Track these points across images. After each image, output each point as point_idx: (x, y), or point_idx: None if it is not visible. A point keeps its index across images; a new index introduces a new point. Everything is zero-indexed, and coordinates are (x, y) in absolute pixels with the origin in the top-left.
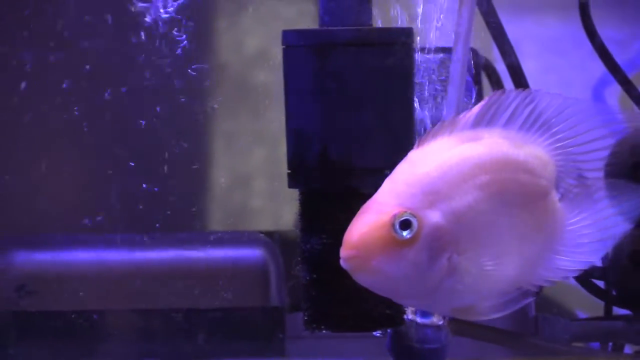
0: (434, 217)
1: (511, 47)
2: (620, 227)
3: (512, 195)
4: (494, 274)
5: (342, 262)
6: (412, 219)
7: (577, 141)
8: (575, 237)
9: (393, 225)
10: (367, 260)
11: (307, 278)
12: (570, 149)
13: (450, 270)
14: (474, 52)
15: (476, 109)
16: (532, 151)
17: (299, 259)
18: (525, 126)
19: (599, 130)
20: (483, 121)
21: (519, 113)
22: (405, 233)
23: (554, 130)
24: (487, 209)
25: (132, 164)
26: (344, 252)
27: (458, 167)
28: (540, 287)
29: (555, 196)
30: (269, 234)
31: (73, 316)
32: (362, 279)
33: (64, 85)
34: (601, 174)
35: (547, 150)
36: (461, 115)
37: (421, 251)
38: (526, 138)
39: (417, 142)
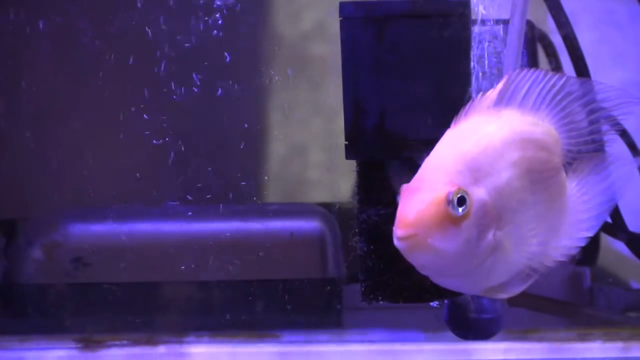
0: (480, 193)
1: (567, 19)
2: (614, 200)
3: (535, 173)
4: (527, 251)
5: (396, 242)
6: (465, 195)
7: (578, 118)
8: (577, 213)
9: (450, 202)
10: (424, 239)
11: (365, 249)
12: (572, 125)
13: (494, 247)
14: (530, 24)
15: (497, 87)
16: (545, 129)
17: (356, 230)
18: (536, 105)
19: (599, 108)
20: (504, 99)
21: (531, 92)
22: (459, 210)
23: (558, 108)
24: (519, 186)
25: (189, 136)
26: (400, 231)
27: (493, 145)
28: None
29: (564, 173)
30: (326, 206)
31: (129, 288)
32: (416, 257)
33: (124, 57)
34: (600, 149)
35: (555, 127)
36: (487, 93)
37: (472, 228)
38: (538, 116)
39: (453, 121)
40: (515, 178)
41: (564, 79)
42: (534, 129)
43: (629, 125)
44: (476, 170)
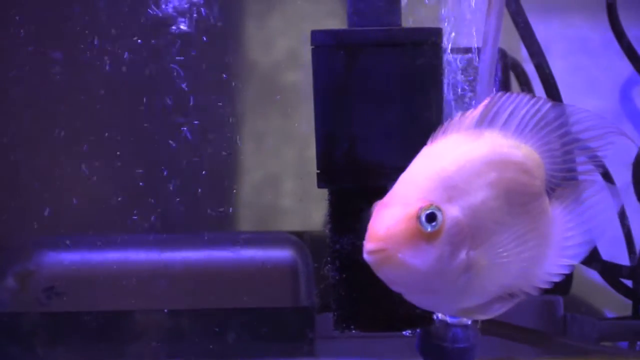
0: (454, 211)
1: (539, 47)
2: (600, 228)
3: (514, 195)
4: (501, 273)
5: (366, 256)
6: (437, 212)
7: (562, 144)
8: (560, 240)
9: (419, 217)
10: (393, 253)
11: (337, 278)
12: (556, 151)
13: (467, 266)
14: (502, 52)
15: (480, 108)
16: (527, 152)
17: (329, 259)
18: (519, 128)
19: (582, 135)
20: (485, 121)
21: (514, 115)
22: (431, 226)
23: (542, 133)
24: (495, 207)
25: (163, 165)
26: (369, 244)
27: (471, 164)
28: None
29: (546, 198)
30: (299, 234)
31: (102, 317)
32: (385, 272)
33: (95, 86)
34: (584, 177)
35: (538, 152)
36: (467, 113)
37: (443, 245)
38: (520, 139)
39: (430, 138)
40: (492, 198)
41: (549, 105)
42: (515, 152)
43: (611, 156)
44: (451, 188)
